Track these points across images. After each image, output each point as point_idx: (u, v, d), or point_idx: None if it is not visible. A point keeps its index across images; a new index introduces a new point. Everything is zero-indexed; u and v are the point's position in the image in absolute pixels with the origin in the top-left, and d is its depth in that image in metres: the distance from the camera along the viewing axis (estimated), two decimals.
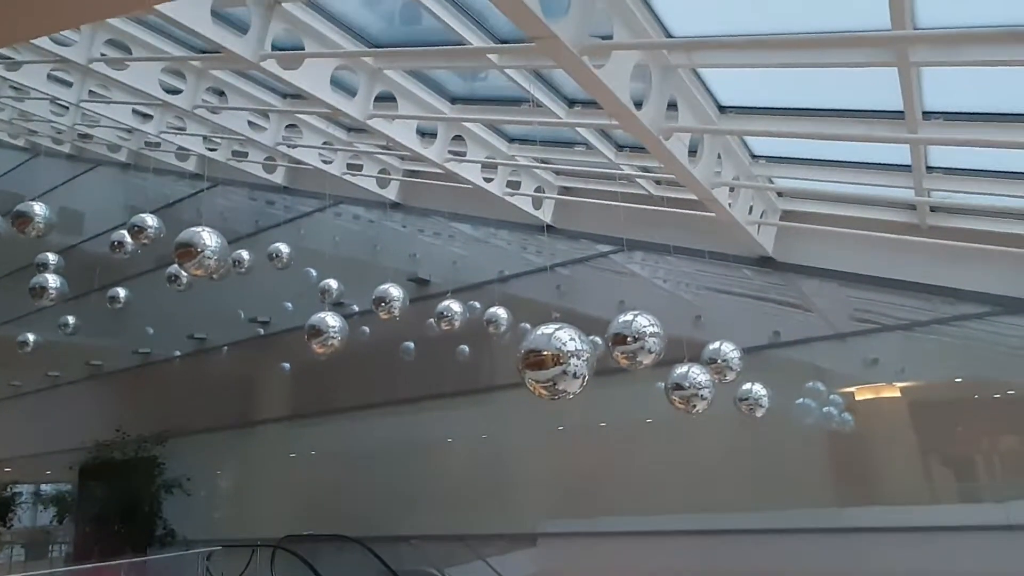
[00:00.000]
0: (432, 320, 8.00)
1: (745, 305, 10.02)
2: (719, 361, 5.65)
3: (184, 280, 8.24)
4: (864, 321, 8.97)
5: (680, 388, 4.95)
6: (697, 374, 4.98)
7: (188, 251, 4.46)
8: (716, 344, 5.73)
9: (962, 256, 7.22)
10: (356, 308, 11.35)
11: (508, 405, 10.75)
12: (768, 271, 8.70)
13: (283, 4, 5.76)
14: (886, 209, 7.63)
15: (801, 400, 8.60)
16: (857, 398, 8.68)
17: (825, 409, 8.59)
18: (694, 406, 4.93)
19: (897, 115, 5.23)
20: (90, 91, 8.65)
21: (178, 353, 15.80)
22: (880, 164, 6.66)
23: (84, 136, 12.83)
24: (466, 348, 10.52)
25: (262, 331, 14.27)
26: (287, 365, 13.75)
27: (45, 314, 10.07)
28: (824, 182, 7.27)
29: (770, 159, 7.30)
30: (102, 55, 7.04)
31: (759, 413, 6.12)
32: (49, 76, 8.20)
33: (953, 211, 7.26)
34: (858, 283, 8.14)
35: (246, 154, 11.07)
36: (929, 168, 6.32)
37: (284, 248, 8.48)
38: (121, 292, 9.74)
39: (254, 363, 14.69)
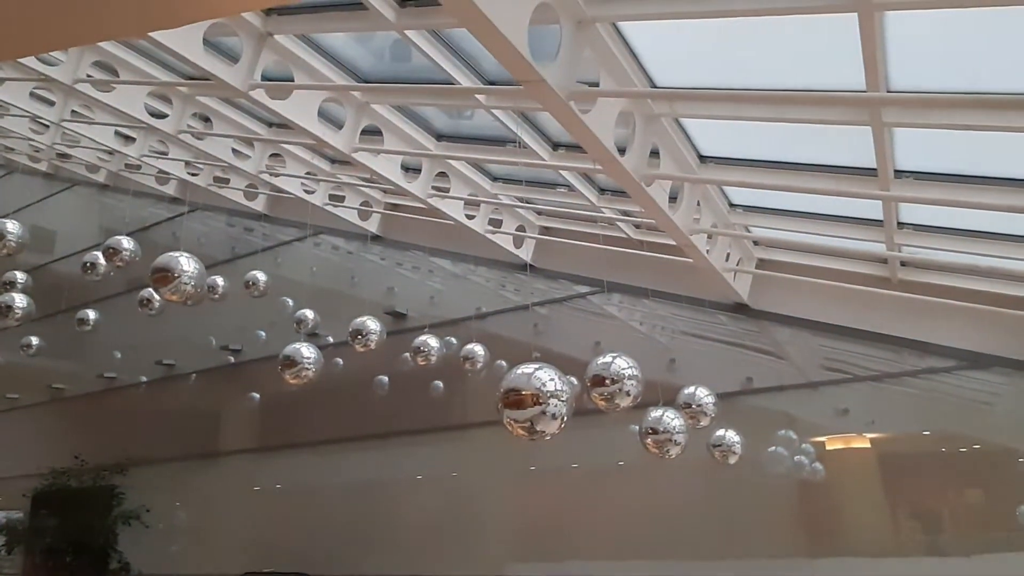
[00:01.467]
0: (408, 354, 7.94)
1: (719, 351, 10.10)
2: (694, 406, 5.67)
3: (156, 304, 8.11)
4: (835, 370, 9.09)
5: (654, 432, 4.95)
6: (672, 418, 4.99)
7: (165, 276, 4.40)
8: (691, 389, 5.76)
9: (930, 310, 7.39)
10: (331, 339, 11.24)
11: (480, 443, 10.64)
12: (742, 318, 8.81)
13: (275, 36, 5.83)
14: (858, 262, 7.82)
15: (773, 448, 8.63)
16: (827, 448, 8.74)
17: (796, 458, 8.63)
18: (668, 451, 4.93)
19: (870, 172, 5.41)
20: (72, 111, 8.60)
21: (144, 379, 15.44)
22: (853, 218, 6.84)
23: (62, 155, 12.70)
24: (440, 384, 10.43)
25: (232, 359, 14.02)
26: (256, 395, 13.50)
27: (8, 334, 9.81)
28: (799, 233, 7.43)
29: (747, 208, 7.46)
30: (88, 76, 7.02)
31: (732, 460, 6.12)
32: (31, 94, 8.15)
33: (922, 266, 7.46)
34: (829, 333, 8.28)
35: (228, 180, 11.03)
36: (900, 224, 6.51)
37: (261, 276, 8.41)
38: (91, 314, 9.54)
39: (222, 392, 14.39)
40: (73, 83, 6.95)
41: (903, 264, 7.44)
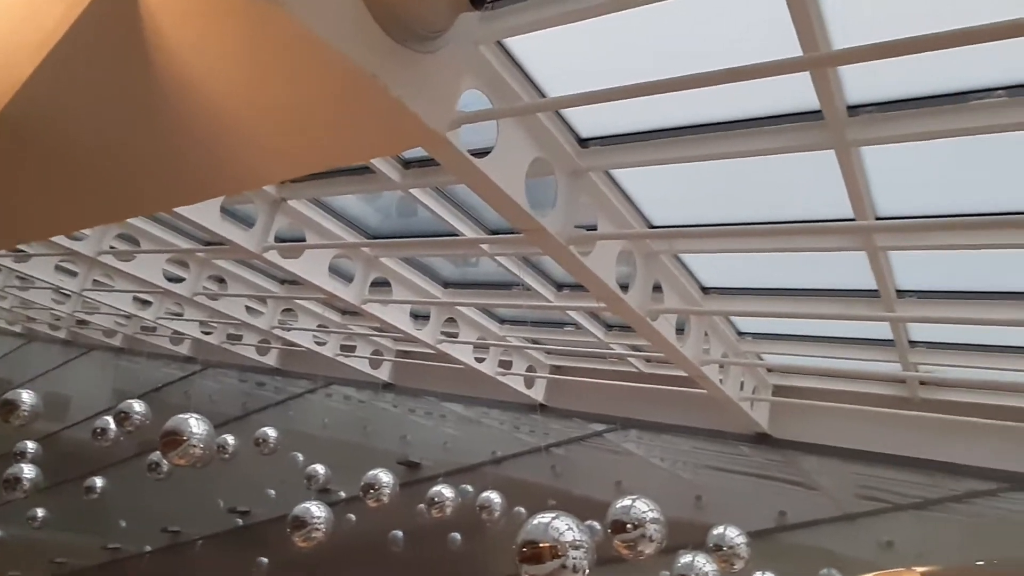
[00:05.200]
0: (423, 506, 7.65)
1: (747, 484, 9.69)
2: (725, 548, 5.35)
3: (164, 468, 7.96)
4: (872, 499, 8.64)
5: None
6: (703, 563, 4.69)
7: (174, 439, 4.36)
8: (720, 529, 5.46)
9: (960, 430, 7.14)
10: (343, 495, 10.87)
11: None
12: (766, 448, 8.52)
13: (288, 201, 6.17)
14: (876, 383, 7.67)
15: None
16: None
17: None
18: None
19: (873, 294, 5.46)
20: (94, 280, 8.94)
21: (149, 548, 14.81)
22: (865, 339, 6.81)
23: (81, 322, 13.05)
24: (458, 536, 9.95)
25: (240, 521, 13.51)
26: (265, 560, 12.85)
27: (14, 506, 9.57)
28: (812, 357, 7.37)
29: (757, 336, 7.45)
30: (111, 248, 7.37)
31: None
32: (56, 267, 8.52)
33: (942, 384, 7.30)
34: (859, 459, 7.95)
35: (240, 337, 11.22)
36: (912, 343, 6.46)
37: (271, 432, 8.32)
38: (99, 482, 9.35)
39: (230, 557, 13.73)
40: (97, 255, 7.29)
41: (922, 383, 7.29)
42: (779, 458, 8.64)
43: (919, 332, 6.34)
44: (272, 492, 12.51)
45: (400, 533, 10.53)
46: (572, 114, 4.31)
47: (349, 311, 9.42)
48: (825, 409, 7.81)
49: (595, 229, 4.79)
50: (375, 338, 10.38)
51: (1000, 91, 3.33)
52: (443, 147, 3.32)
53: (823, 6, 2.99)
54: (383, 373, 11.19)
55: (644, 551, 3.96)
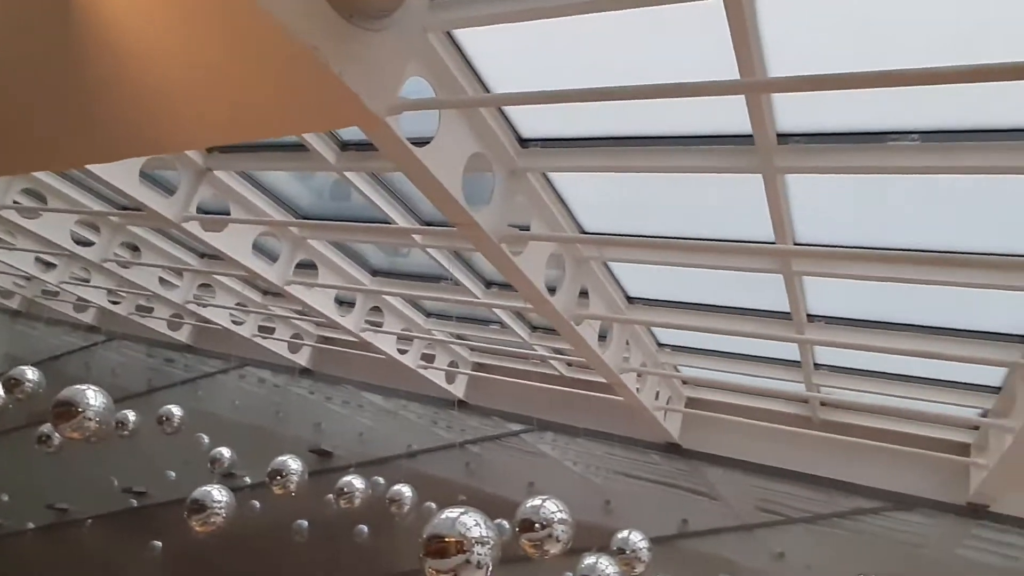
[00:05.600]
0: (331, 496, 7.49)
1: (654, 492, 9.94)
2: (628, 551, 5.47)
3: (56, 442, 7.49)
4: (769, 512, 9.04)
5: None
6: (605, 566, 4.78)
7: (67, 411, 4.10)
8: (625, 533, 5.58)
9: (853, 451, 7.56)
10: (248, 480, 10.53)
11: None
12: (675, 457, 8.78)
13: (215, 171, 5.92)
14: (782, 401, 8.03)
15: None
16: None
17: None
18: None
19: (786, 316, 5.71)
20: None
21: (31, 525, 13.92)
22: (775, 359, 7.12)
23: None
24: (366, 528, 9.79)
25: (135, 502, 12.87)
26: (159, 544, 12.29)
27: None
28: (725, 372, 7.65)
29: (676, 348, 7.68)
30: (15, 203, 6.88)
31: None
32: None
33: (841, 407, 7.72)
34: (760, 473, 8.31)
35: (151, 310, 10.69)
36: (817, 365, 6.80)
37: (176, 411, 7.96)
38: None
39: (122, 539, 13.06)
40: None
41: (823, 404, 7.69)
42: (686, 468, 8.92)
43: (824, 355, 6.68)
44: (172, 474, 11.96)
45: (305, 523, 10.27)
46: (515, 113, 4.32)
47: (271, 291, 9.13)
48: (733, 423, 8.12)
49: (528, 229, 4.81)
50: (296, 321, 10.10)
51: (915, 135, 3.55)
52: (382, 131, 3.25)
53: (764, 35, 3.10)
54: (301, 358, 10.90)
55: (550, 551, 3.99)
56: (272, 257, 6.93)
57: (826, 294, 5.51)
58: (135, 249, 8.07)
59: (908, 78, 2.72)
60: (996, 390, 6.09)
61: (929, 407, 6.68)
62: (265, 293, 9.39)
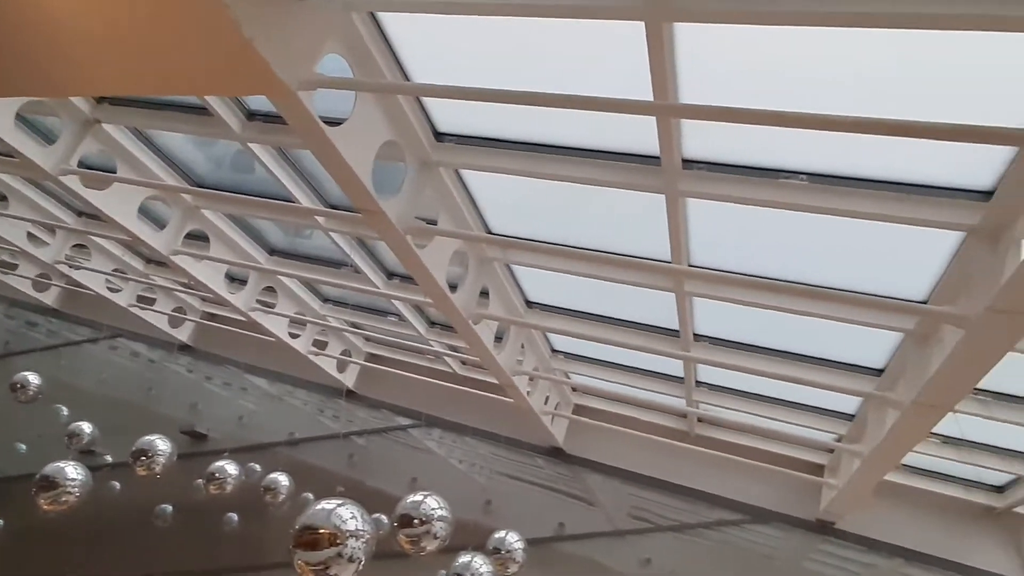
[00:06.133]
0: (201, 481, 7.12)
1: (535, 494, 10.13)
2: (503, 552, 5.54)
3: None
4: (640, 519, 9.41)
5: None
6: (480, 565, 4.82)
7: None
8: (502, 533, 5.65)
9: (723, 465, 8.01)
10: (109, 459, 9.83)
11: None
12: (558, 462, 8.98)
13: (103, 124, 5.49)
14: (663, 415, 8.39)
15: None
16: None
17: None
18: None
19: (674, 333, 5.97)
20: None
21: None
22: (661, 373, 7.42)
23: None
24: (236, 517, 9.38)
25: None
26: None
27: None
28: (613, 383, 7.90)
29: (568, 355, 7.85)
30: None
31: None
32: None
33: (715, 424, 8.15)
34: (636, 481, 8.64)
35: (15, 267, 9.79)
36: (698, 382, 7.15)
37: (33, 379, 7.32)
38: None
39: None
40: None
41: (700, 420, 8.10)
42: (568, 473, 9.14)
43: (706, 374, 7.04)
44: (23, 446, 11.00)
45: (169, 507, 9.72)
46: (433, 105, 4.28)
47: (155, 260, 8.59)
48: (616, 432, 8.41)
49: (435, 224, 4.78)
50: (180, 294, 9.55)
51: (804, 175, 3.81)
52: (293, 105, 3.12)
53: (680, 63, 3.22)
54: (182, 333, 10.31)
55: (427, 547, 3.98)
56: (160, 224, 6.52)
57: (713, 316, 5.80)
58: (3, 198, 7.36)
59: (802, 121, 2.91)
60: (851, 417, 6.62)
61: (792, 429, 7.17)
62: (148, 261, 8.82)
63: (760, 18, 2.73)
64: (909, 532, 7.34)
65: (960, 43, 2.72)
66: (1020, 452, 6.23)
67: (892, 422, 5.00)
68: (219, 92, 4.03)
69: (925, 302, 4.29)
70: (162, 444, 6.10)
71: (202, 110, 4.83)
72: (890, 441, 5.21)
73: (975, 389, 5.20)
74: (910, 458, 5.90)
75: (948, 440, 6.36)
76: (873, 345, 5.34)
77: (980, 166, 3.35)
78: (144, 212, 6.23)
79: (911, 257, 4.23)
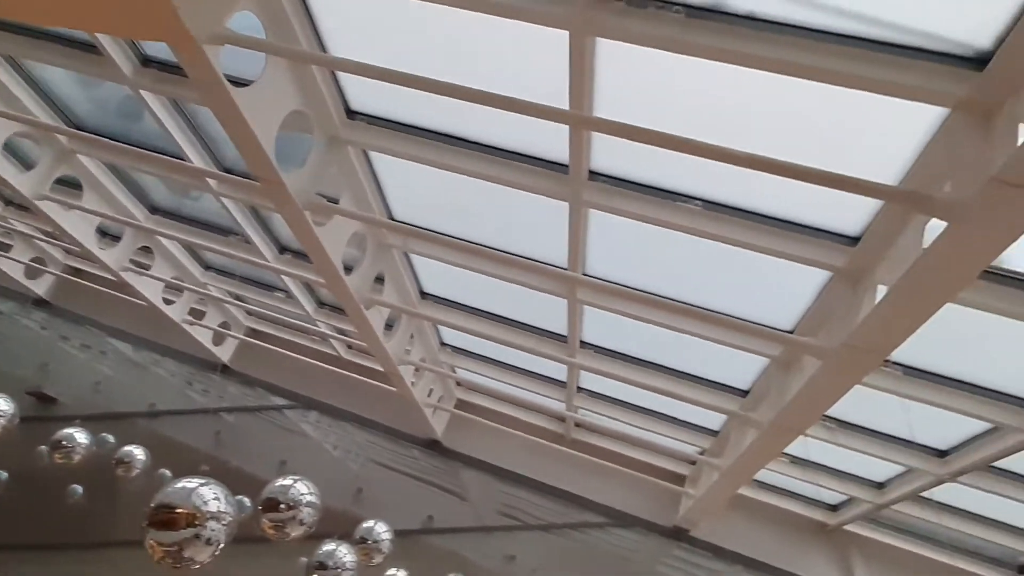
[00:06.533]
0: (45, 448, 6.55)
1: (407, 485, 10.06)
2: (370, 542, 5.48)
3: None
4: (508, 516, 9.57)
5: (323, 568, 4.63)
6: (344, 554, 4.74)
7: None
8: (370, 523, 5.58)
9: (593, 470, 8.30)
10: None
11: (128, 568, 8.89)
12: (435, 455, 8.97)
13: None
14: (543, 416, 8.58)
15: None
16: None
17: None
18: None
19: (562, 338, 6.12)
20: None
21: None
22: (545, 376, 7.58)
23: None
24: (80, 489, 8.70)
25: None
26: None
27: None
28: (497, 381, 7.98)
29: (456, 349, 7.85)
30: None
31: None
32: None
33: (591, 429, 8.43)
34: (510, 480, 8.78)
35: None
36: (580, 388, 7.37)
37: None
38: None
39: None
40: None
41: (577, 424, 8.34)
42: (443, 466, 9.15)
43: (587, 380, 7.26)
44: None
45: (5, 474, 8.88)
46: (348, 81, 4.16)
47: (16, 203, 7.80)
48: (494, 430, 8.51)
49: (337, 203, 4.64)
50: (41, 243, 8.73)
51: (699, 201, 4.01)
52: (197, 57, 2.93)
53: (599, 77, 3.31)
54: (39, 286, 9.44)
55: (292, 533, 3.86)
56: (27, 164, 5.93)
57: (600, 325, 5.99)
58: None
59: (702, 150, 3.06)
60: (715, 433, 7.04)
61: (660, 439, 7.53)
62: (8, 203, 8.01)
63: (679, 47, 2.86)
64: (751, 541, 7.91)
65: (850, 98, 2.95)
66: (855, 475, 6.86)
67: (751, 440, 5.37)
68: (115, 32, 3.73)
69: (792, 331, 4.63)
70: (3, 404, 5.55)
71: (91, 47, 4.44)
72: (747, 457, 5.59)
73: (824, 416, 5.67)
74: (760, 473, 6.35)
75: (795, 460, 6.90)
76: (741, 367, 5.70)
77: (852, 211, 3.66)
78: (10, 149, 5.65)
79: (785, 289, 4.55)
